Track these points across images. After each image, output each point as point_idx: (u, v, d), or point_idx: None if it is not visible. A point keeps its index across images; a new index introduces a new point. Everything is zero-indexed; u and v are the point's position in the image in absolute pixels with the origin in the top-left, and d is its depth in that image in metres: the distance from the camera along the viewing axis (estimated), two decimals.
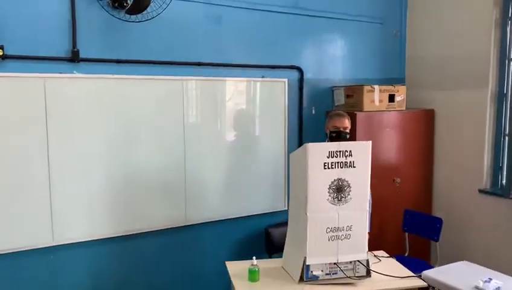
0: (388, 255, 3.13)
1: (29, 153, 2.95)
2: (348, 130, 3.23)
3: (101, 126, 3.18)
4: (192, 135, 3.52)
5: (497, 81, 3.82)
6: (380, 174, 3.74)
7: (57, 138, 3.02)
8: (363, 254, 2.70)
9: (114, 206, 3.28)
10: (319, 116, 4.16)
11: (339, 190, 2.61)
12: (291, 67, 3.97)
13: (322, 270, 2.66)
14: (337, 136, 3.19)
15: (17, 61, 2.87)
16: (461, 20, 4.05)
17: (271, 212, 3.98)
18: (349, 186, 2.62)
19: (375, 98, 3.93)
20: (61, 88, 3.02)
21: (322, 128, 4.10)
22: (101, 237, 3.25)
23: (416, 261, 3.72)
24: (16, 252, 2.97)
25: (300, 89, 4.05)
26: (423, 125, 4.29)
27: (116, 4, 3.04)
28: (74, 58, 3.03)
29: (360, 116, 3.86)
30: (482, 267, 2.93)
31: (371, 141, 2.64)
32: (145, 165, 3.38)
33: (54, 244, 3.08)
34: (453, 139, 4.18)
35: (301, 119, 4.07)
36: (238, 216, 3.83)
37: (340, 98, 4.14)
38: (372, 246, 2.93)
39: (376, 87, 3.94)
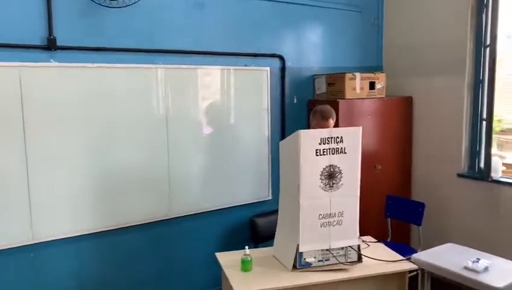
0: (376, 240, 3.17)
1: (5, 146, 2.80)
2: None
3: (81, 118, 3.04)
4: (174, 126, 3.43)
5: (474, 68, 3.91)
6: (361, 160, 3.76)
7: (34, 130, 2.87)
8: (354, 239, 2.72)
9: (95, 201, 3.16)
10: (301, 105, 4.15)
11: (331, 176, 2.61)
12: (273, 55, 3.93)
13: (314, 257, 2.66)
14: None
15: None
16: (438, 7, 4.12)
17: (255, 202, 3.96)
18: (340, 172, 2.62)
19: (356, 85, 3.95)
20: (38, 78, 2.86)
21: (304, 117, 4.13)
22: (83, 233, 3.13)
23: (400, 245, 3.78)
24: None
25: (283, 77, 4.02)
26: (402, 112, 4.35)
27: None
28: (51, 46, 2.88)
29: (342, 103, 3.87)
30: (468, 248, 3.00)
31: (361, 127, 2.64)
32: (127, 158, 3.27)
33: (34, 242, 2.94)
34: (431, 125, 4.27)
35: (283, 108, 4.05)
36: (222, 207, 3.78)
37: (321, 86, 4.14)
38: None
39: (357, 74, 3.96)
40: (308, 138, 2.53)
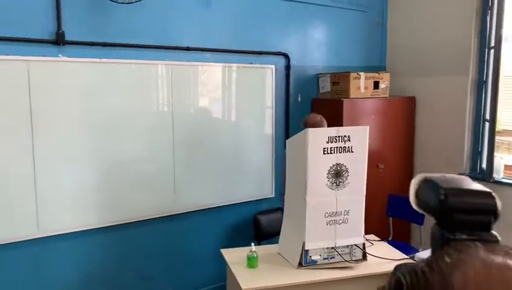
0: (379, 239, 3.19)
1: (13, 140, 2.80)
2: None
3: (88, 112, 3.05)
4: (180, 122, 3.44)
5: (477, 69, 3.93)
6: None
7: (41, 125, 2.87)
8: (359, 237, 2.74)
9: (101, 196, 3.17)
10: (305, 103, 4.17)
11: (338, 174, 2.63)
12: (278, 53, 3.94)
13: (320, 255, 2.68)
14: None
15: None
16: (442, 8, 4.13)
17: (258, 200, 3.97)
18: (347, 171, 2.64)
19: (360, 85, 3.97)
20: (46, 72, 2.87)
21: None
22: (89, 228, 3.14)
23: (401, 244, 3.80)
24: None
25: (287, 75, 4.03)
26: (405, 112, 4.37)
27: None
28: (59, 40, 2.88)
29: (346, 103, 3.89)
30: None
31: (368, 126, 2.66)
32: (133, 153, 3.28)
33: (39, 236, 2.94)
34: (433, 125, 4.29)
35: (288, 106, 4.06)
36: (225, 204, 3.79)
37: (325, 85, 4.15)
38: None
39: (362, 74, 3.98)
40: (316, 136, 2.55)
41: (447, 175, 1.17)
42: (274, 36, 3.91)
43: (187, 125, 3.49)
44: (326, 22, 4.26)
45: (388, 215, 4.07)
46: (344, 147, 2.61)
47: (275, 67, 3.92)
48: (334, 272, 2.65)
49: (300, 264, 2.65)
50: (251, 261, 2.66)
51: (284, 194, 3.31)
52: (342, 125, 3.79)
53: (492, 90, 3.77)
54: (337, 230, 2.67)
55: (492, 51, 3.78)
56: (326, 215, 2.64)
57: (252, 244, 2.72)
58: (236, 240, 3.80)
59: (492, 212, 1.04)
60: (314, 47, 4.22)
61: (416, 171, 4.48)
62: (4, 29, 2.72)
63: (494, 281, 0.70)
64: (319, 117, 3.23)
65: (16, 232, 2.86)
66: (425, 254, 3.00)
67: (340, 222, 2.68)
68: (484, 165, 3.90)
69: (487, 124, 3.85)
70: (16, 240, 2.86)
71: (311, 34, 4.18)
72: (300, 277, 2.57)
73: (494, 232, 1.05)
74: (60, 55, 2.91)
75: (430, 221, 3.85)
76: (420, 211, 1.18)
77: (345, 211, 2.68)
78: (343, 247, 2.71)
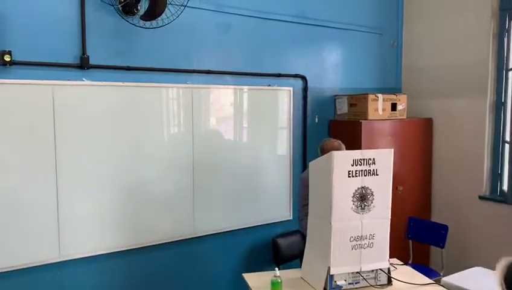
0: (402, 263, 3.14)
1: (36, 163, 2.81)
2: None
3: (109, 136, 3.07)
4: (200, 145, 3.45)
5: (495, 91, 3.93)
6: None
7: (64, 148, 2.89)
8: (385, 262, 2.70)
9: (122, 219, 3.16)
10: (322, 125, 4.17)
11: (363, 198, 2.60)
12: (296, 76, 3.97)
13: (345, 280, 2.63)
14: None
15: (25, 68, 2.74)
16: (458, 30, 4.16)
17: (275, 222, 3.94)
18: (372, 194, 2.61)
19: (378, 106, 3.97)
20: (70, 96, 2.90)
21: (324, 137, 4.11)
22: (109, 251, 3.12)
23: (422, 268, 3.73)
24: (21, 269, 2.80)
25: (305, 97, 4.04)
26: (422, 134, 4.36)
27: (127, 9, 2.95)
28: (83, 64, 2.92)
29: (364, 124, 3.89)
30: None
31: (393, 149, 2.64)
32: (153, 175, 3.28)
33: (61, 259, 2.93)
34: (451, 147, 4.27)
35: (305, 128, 4.06)
36: (243, 227, 3.77)
37: (342, 107, 4.16)
38: None
39: (380, 96, 3.98)
40: (341, 159, 2.53)
41: None
42: (291, 59, 3.95)
43: (206, 148, 3.49)
44: (342, 44, 4.30)
45: (408, 238, 4.01)
46: (369, 170, 2.58)
47: (293, 89, 3.94)
48: None
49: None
50: (275, 287, 2.61)
51: (302, 219, 3.29)
52: (360, 147, 3.79)
53: None
54: (362, 254, 2.63)
55: (510, 72, 3.78)
56: (352, 239, 2.60)
57: (276, 269, 2.68)
58: (254, 264, 3.77)
59: None
60: (331, 69, 4.25)
61: (435, 193, 4.44)
62: (30, 54, 2.76)
63: None
64: (336, 143, 3.21)
65: (38, 256, 2.84)
66: (453, 278, 2.95)
67: (366, 246, 2.64)
68: (505, 187, 3.86)
69: (507, 146, 3.83)
70: (38, 264, 2.85)
71: (327, 56, 4.21)
72: None
73: None
74: (84, 79, 2.94)
75: (453, 244, 3.76)
76: None
77: (370, 235, 2.64)
78: (368, 272, 2.67)
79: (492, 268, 3.12)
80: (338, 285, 2.62)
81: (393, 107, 4.09)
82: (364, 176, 2.58)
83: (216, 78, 3.52)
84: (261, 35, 3.76)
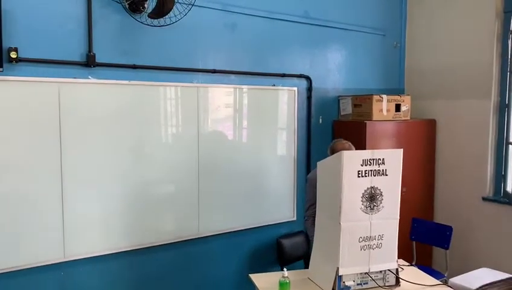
0: (408, 264, 3.13)
1: (41, 161, 2.78)
2: None
3: (114, 135, 3.03)
4: (205, 144, 3.43)
5: (499, 92, 3.94)
6: None
7: (70, 147, 2.86)
8: (393, 263, 2.69)
9: (126, 219, 3.13)
10: (326, 125, 4.16)
11: (372, 198, 2.59)
12: (301, 76, 3.96)
13: (353, 281, 2.61)
14: None
15: (31, 65, 2.71)
16: (462, 32, 4.16)
17: (279, 223, 3.92)
18: (381, 194, 2.61)
19: (383, 107, 3.96)
20: (76, 94, 2.87)
21: (328, 138, 4.12)
22: (114, 251, 3.09)
23: (426, 269, 3.72)
24: (26, 269, 2.77)
25: (309, 98, 4.03)
26: (425, 135, 4.36)
27: (134, 6, 2.92)
28: (90, 62, 2.89)
29: (369, 125, 3.88)
30: (503, 273, 2.97)
31: (402, 149, 2.64)
32: (158, 175, 3.25)
33: (66, 259, 2.89)
34: (454, 148, 4.27)
35: (309, 128, 4.05)
36: (247, 227, 3.74)
37: (346, 107, 4.15)
38: None
39: (384, 96, 3.98)
40: (351, 159, 2.52)
41: None
42: (296, 59, 3.94)
43: (211, 148, 3.47)
44: (345, 45, 4.29)
45: (411, 239, 4.00)
46: (378, 170, 2.58)
47: (297, 90, 3.92)
48: None
49: None
50: (284, 287, 2.59)
51: (306, 219, 3.27)
52: (365, 148, 3.77)
53: None
54: (370, 255, 2.62)
55: None
56: (360, 239, 2.59)
57: (285, 269, 2.66)
58: (258, 264, 3.75)
59: None
60: (335, 69, 4.24)
61: (438, 194, 4.44)
62: (36, 51, 2.73)
63: None
64: (347, 144, 3.19)
65: (42, 256, 2.81)
66: (460, 279, 2.94)
67: (374, 246, 2.63)
68: (509, 189, 3.87)
69: (511, 147, 3.84)
70: (42, 264, 2.81)
71: (331, 57, 4.20)
72: None
73: None
74: (89, 77, 2.91)
75: (456, 245, 3.75)
76: None
77: (379, 235, 2.63)
78: (376, 272, 2.66)
79: (497, 269, 3.14)
80: (346, 286, 2.60)
81: (397, 108, 4.09)
82: (374, 176, 2.58)
83: (221, 77, 3.50)
84: (266, 35, 3.75)
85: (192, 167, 3.38)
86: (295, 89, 3.91)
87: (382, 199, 2.61)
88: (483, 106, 3.99)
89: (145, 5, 2.98)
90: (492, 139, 3.97)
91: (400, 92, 4.56)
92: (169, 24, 2.95)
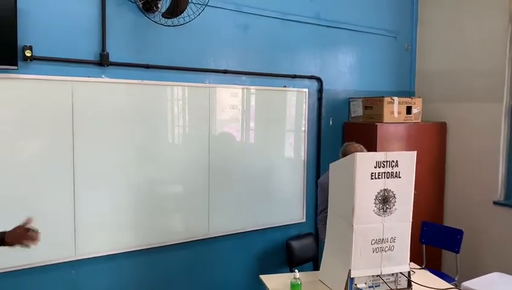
0: (420, 267, 3.12)
1: (54, 159, 2.79)
2: None
3: (126, 134, 3.04)
4: (216, 145, 3.43)
5: (511, 96, 3.91)
6: None
7: (82, 146, 2.86)
8: (405, 265, 2.67)
9: (137, 219, 3.13)
10: (336, 127, 4.15)
11: (385, 200, 2.57)
12: (312, 77, 3.95)
13: (365, 283, 2.60)
14: None
15: (45, 63, 2.72)
16: (473, 35, 4.14)
17: (289, 224, 3.91)
18: (394, 197, 2.59)
19: (394, 109, 3.95)
20: (89, 93, 2.87)
21: (339, 139, 4.11)
22: (124, 251, 3.09)
23: (436, 272, 3.71)
24: (37, 267, 2.77)
25: (319, 99, 4.02)
26: (436, 138, 4.34)
27: (148, 6, 2.93)
28: (103, 61, 2.89)
29: (380, 127, 3.86)
30: None
31: (416, 151, 2.62)
32: (169, 175, 3.26)
33: (77, 258, 2.90)
34: (465, 151, 4.24)
35: (320, 130, 4.04)
36: (256, 228, 3.73)
37: (357, 109, 4.14)
38: None
39: (395, 99, 3.96)
40: (364, 161, 2.51)
41: None
42: (307, 60, 3.94)
43: (222, 148, 3.47)
44: (356, 46, 4.28)
45: (421, 243, 3.98)
46: (392, 172, 2.56)
47: (308, 91, 3.91)
48: None
49: None
50: (295, 289, 2.59)
51: (319, 223, 3.25)
52: (375, 150, 3.76)
53: None
54: (383, 257, 2.60)
55: None
56: (373, 242, 2.58)
57: (296, 270, 2.65)
58: (267, 265, 3.74)
59: None
60: (346, 71, 4.23)
61: (448, 198, 4.41)
62: (51, 50, 2.74)
63: None
64: (359, 147, 3.17)
65: (54, 254, 2.81)
66: (473, 283, 2.92)
67: (387, 249, 2.61)
68: None
69: None
70: (54, 262, 2.82)
71: (342, 59, 4.19)
72: None
73: None
74: (103, 76, 2.92)
75: (465, 249, 3.74)
76: None
77: (392, 238, 2.61)
78: (388, 275, 2.64)
79: (508, 273, 3.12)
80: (358, 288, 2.58)
81: (408, 110, 4.07)
82: (387, 178, 2.56)
83: (232, 78, 3.50)
84: (277, 35, 3.74)
85: (203, 168, 3.38)
86: (306, 90, 3.90)
87: (395, 202, 2.59)
88: (495, 109, 3.96)
89: (159, 5, 2.98)
90: (503, 142, 3.94)
91: (410, 94, 4.54)
92: (183, 24, 2.95)
